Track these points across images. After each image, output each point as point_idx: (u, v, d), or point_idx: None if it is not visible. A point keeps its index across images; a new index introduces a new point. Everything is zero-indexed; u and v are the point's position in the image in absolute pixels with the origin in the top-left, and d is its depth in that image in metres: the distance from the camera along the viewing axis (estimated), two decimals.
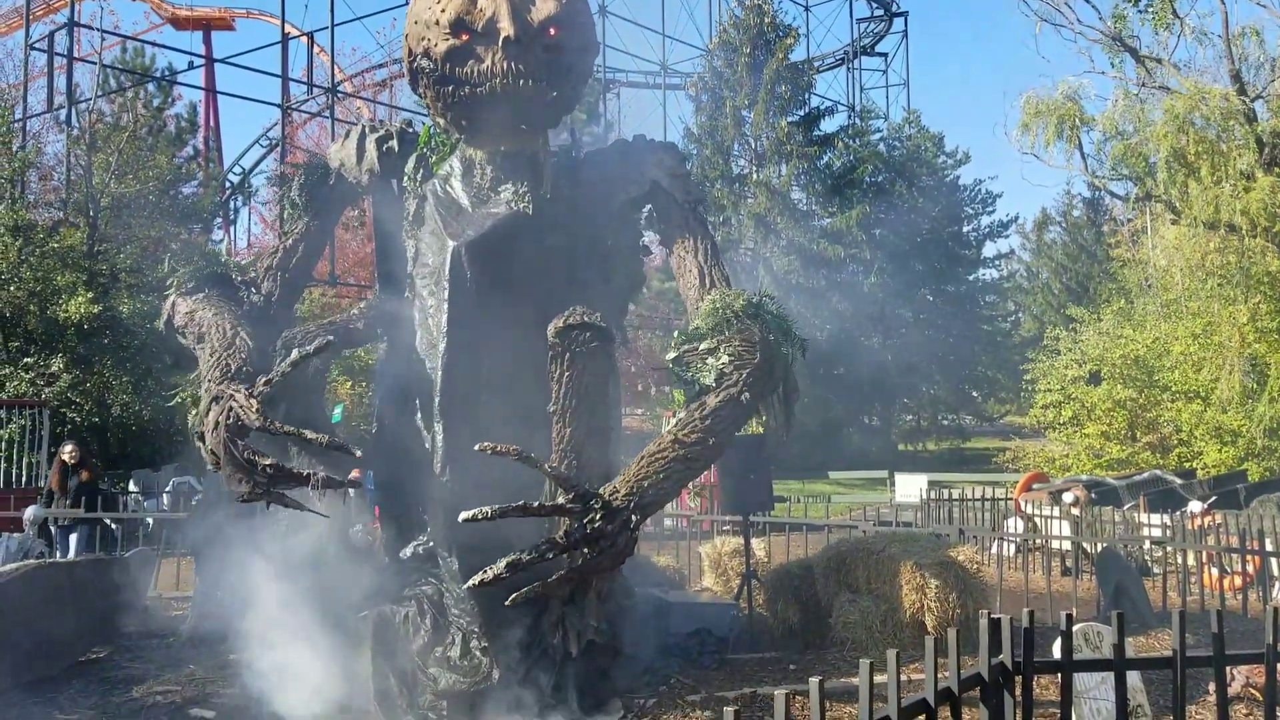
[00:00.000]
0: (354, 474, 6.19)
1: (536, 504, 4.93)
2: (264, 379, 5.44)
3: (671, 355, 6.10)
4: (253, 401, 5.35)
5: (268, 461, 5.27)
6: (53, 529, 11.85)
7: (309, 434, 5.16)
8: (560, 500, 5.04)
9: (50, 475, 13.14)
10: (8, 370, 20.30)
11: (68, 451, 12.38)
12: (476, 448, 4.92)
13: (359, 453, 5.45)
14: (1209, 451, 22.79)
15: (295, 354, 5.42)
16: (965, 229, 47.60)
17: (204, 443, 5.54)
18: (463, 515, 4.69)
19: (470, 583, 4.86)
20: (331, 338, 5.91)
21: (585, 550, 4.99)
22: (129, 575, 8.79)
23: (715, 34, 39.70)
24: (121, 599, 8.38)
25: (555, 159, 7.08)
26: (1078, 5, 21.93)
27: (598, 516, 5.02)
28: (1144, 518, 14.28)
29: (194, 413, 6.01)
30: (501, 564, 4.75)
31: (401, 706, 6.04)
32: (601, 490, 5.23)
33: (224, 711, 6.43)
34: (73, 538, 11.74)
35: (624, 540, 5.11)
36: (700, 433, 5.67)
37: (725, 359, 5.90)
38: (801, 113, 38.89)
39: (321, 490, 5.39)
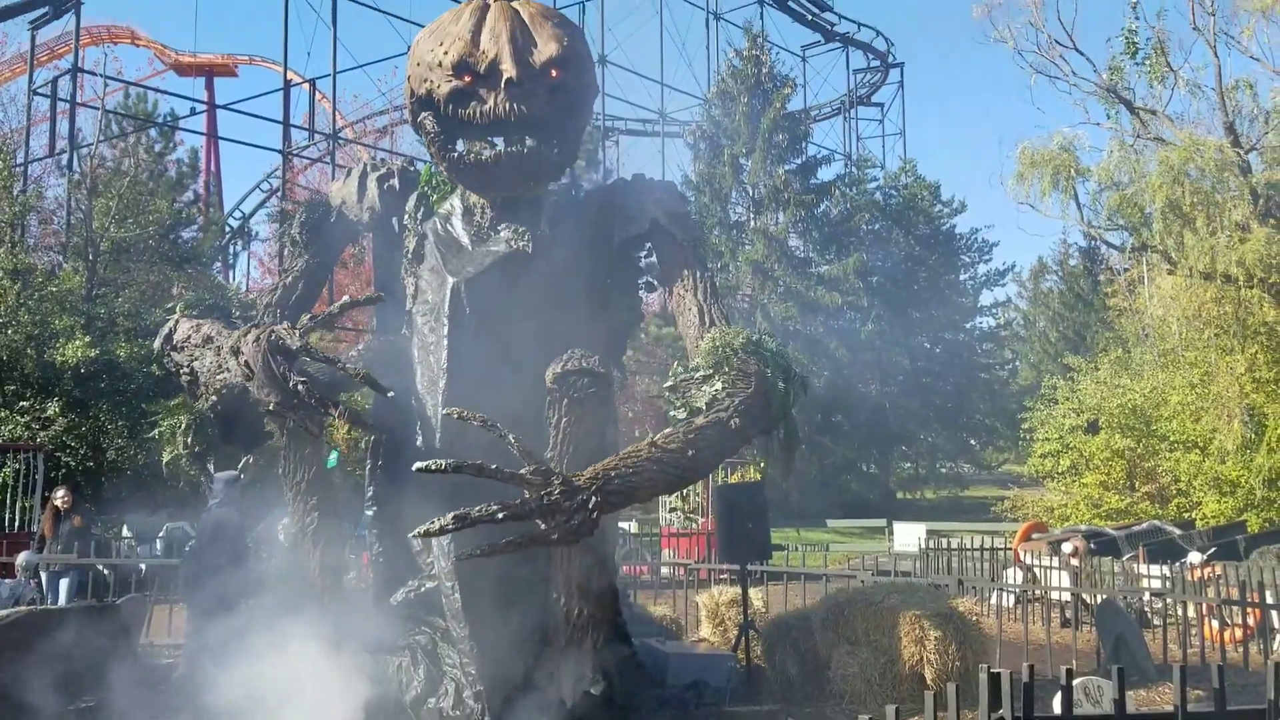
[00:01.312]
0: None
1: (495, 467, 4.91)
2: (308, 316, 5.81)
3: (669, 384, 6.10)
4: (294, 330, 5.71)
5: (301, 378, 5.56)
6: (44, 575, 11.74)
7: (348, 366, 5.67)
8: (523, 471, 5.01)
9: (42, 520, 13.05)
10: (3, 414, 20.22)
11: (60, 497, 12.29)
12: (444, 412, 5.26)
13: (391, 393, 5.79)
14: (1208, 502, 22.69)
15: (346, 299, 5.79)
16: (962, 277, 47.76)
17: (238, 357, 5.81)
18: (417, 465, 4.82)
19: (416, 531, 4.83)
20: (382, 295, 6.31)
21: (539, 521, 4.95)
22: (121, 622, 8.67)
23: (713, 83, 40.09)
24: (113, 646, 8.27)
25: (555, 198, 7.12)
26: (1072, 57, 22.16)
27: (556, 491, 4.98)
28: (1143, 569, 14.19)
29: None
30: (449, 516, 4.74)
31: None
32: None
33: None
34: (63, 583, 11.63)
35: (580, 520, 5.03)
36: (680, 443, 5.62)
37: (719, 386, 5.89)
38: (799, 161, 39.19)
39: (344, 420, 5.78)
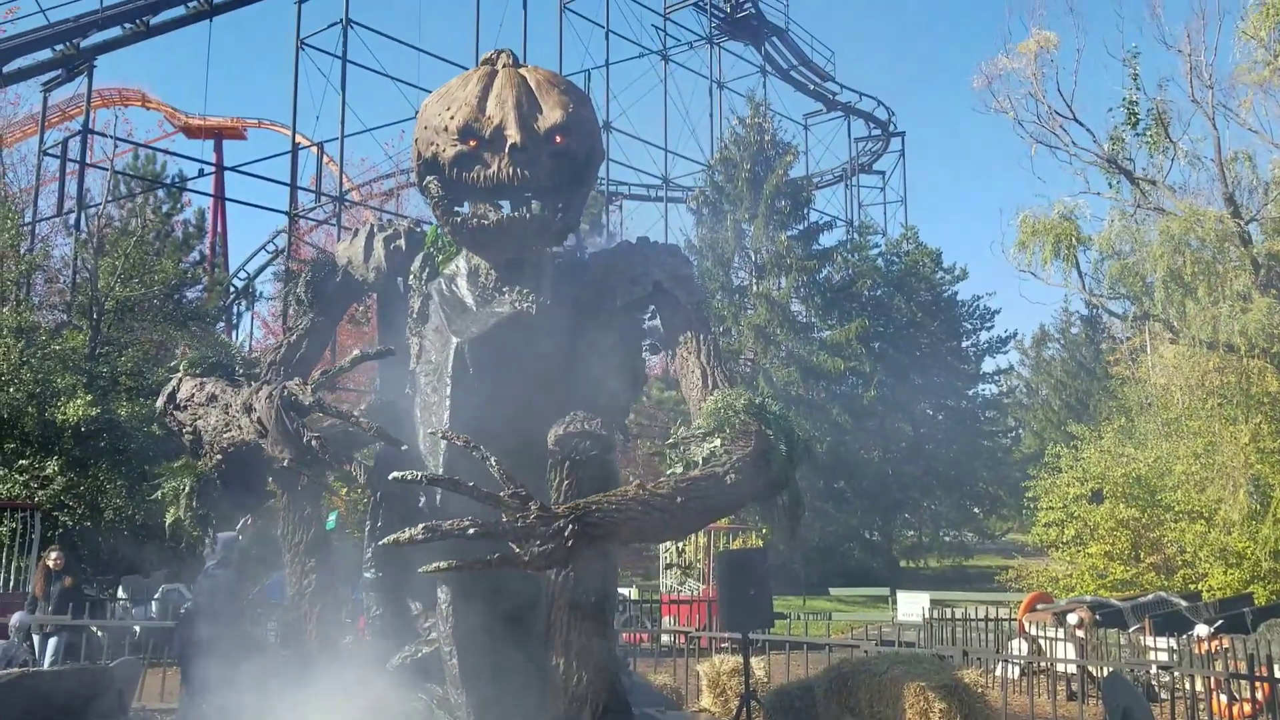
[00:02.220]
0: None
1: (471, 484, 4.87)
2: (319, 370, 5.74)
3: (669, 442, 6.08)
4: (306, 386, 5.69)
5: (315, 433, 5.56)
6: (35, 636, 11.62)
7: (361, 420, 5.59)
8: (502, 493, 4.96)
9: (35, 580, 12.94)
10: (1, 472, 20.16)
11: (52, 558, 12.21)
12: (429, 431, 5.45)
13: (405, 446, 5.74)
14: (1214, 573, 22.49)
15: (356, 352, 5.80)
16: (964, 344, 47.84)
17: (250, 414, 5.80)
18: (393, 475, 4.83)
19: (385, 540, 4.83)
20: (392, 349, 6.28)
21: (512, 545, 4.89)
22: (114, 685, 8.56)
23: (716, 150, 40.54)
24: (106, 710, 8.15)
25: (559, 259, 7.14)
26: (1072, 128, 22.42)
27: (532, 515, 4.92)
28: (1150, 641, 14.01)
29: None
30: (419, 527, 4.74)
31: None
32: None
33: None
34: (51, 643, 11.50)
35: (554, 547, 4.96)
36: (670, 489, 5.55)
37: (717, 443, 5.85)
38: (801, 227, 39.47)
39: (359, 473, 5.86)
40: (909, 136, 56.44)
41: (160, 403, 7.08)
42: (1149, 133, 21.30)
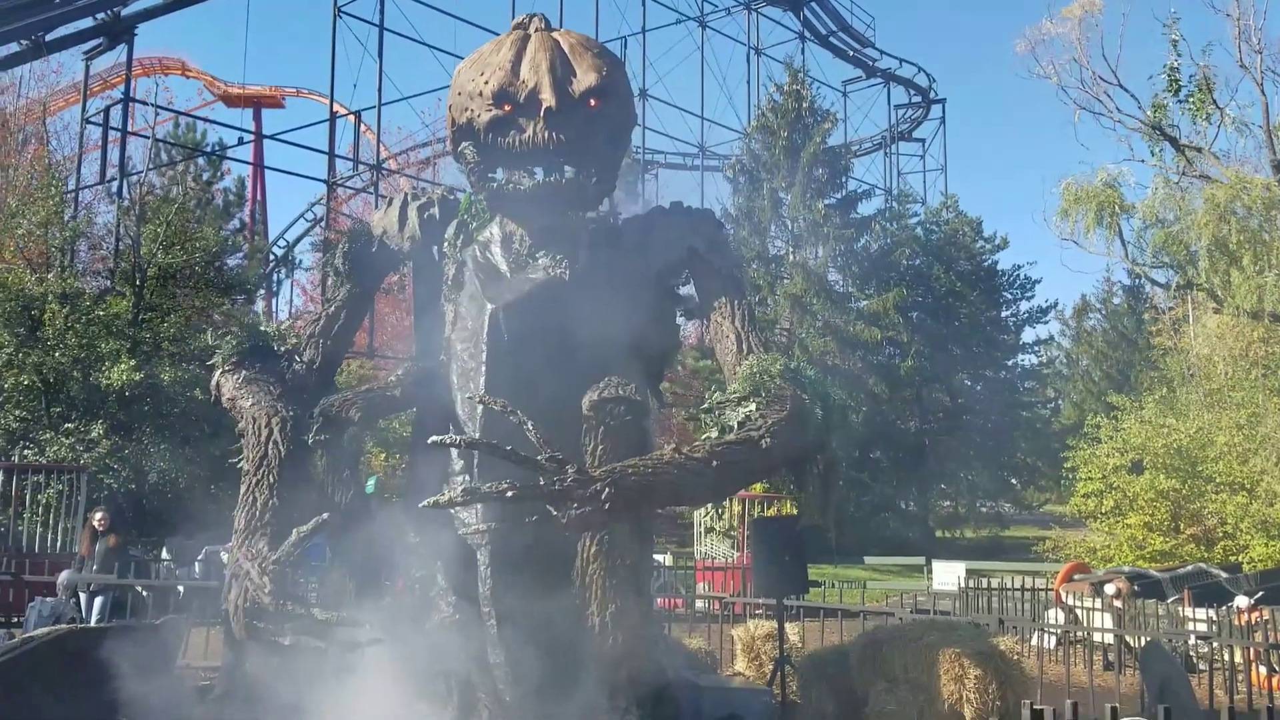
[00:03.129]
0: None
1: (509, 448, 4.90)
2: (274, 558, 5.66)
3: (704, 407, 6.09)
4: (265, 581, 5.60)
5: (287, 642, 5.52)
6: (82, 595, 11.86)
7: (318, 613, 5.50)
8: (539, 457, 4.99)
9: (81, 540, 13.20)
10: (48, 435, 20.54)
11: (98, 517, 12.45)
12: (466, 396, 5.55)
13: (368, 627, 5.62)
14: (1255, 545, 22.23)
15: (295, 535, 5.65)
16: (1004, 314, 47.31)
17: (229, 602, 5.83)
18: (431, 439, 4.89)
19: (425, 502, 4.87)
20: (325, 515, 5.93)
21: (550, 508, 4.93)
22: (159, 642, 8.72)
23: (753, 117, 40.22)
24: (150, 666, 8.31)
25: (593, 226, 7.14)
26: (1116, 94, 22.05)
27: (569, 479, 4.96)
28: (1188, 612, 13.91)
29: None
30: (458, 490, 4.84)
31: None
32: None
33: None
34: (97, 601, 11.75)
35: (591, 511, 5.00)
36: (705, 453, 5.56)
37: (753, 407, 5.85)
38: (839, 195, 39.13)
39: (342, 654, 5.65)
40: (950, 103, 55.81)
41: (214, 398, 7.22)
42: (1192, 99, 20.90)
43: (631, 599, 6.08)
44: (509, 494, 4.83)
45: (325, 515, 5.86)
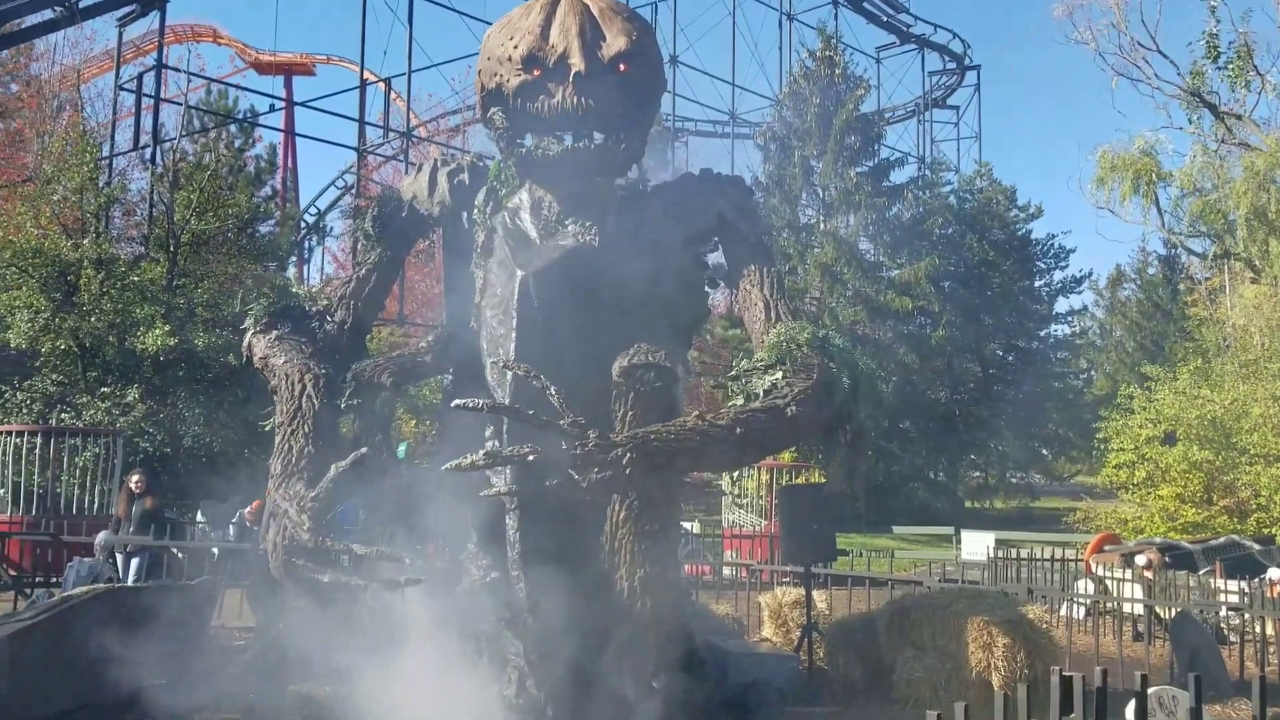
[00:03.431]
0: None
1: (531, 412, 4.93)
2: (311, 495, 5.59)
3: (731, 374, 6.09)
4: (304, 518, 5.55)
5: (326, 579, 5.46)
6: (118, 556, 12.06)
7: (358, 549, 5.42)
8: (562, 421, 5.01)
9: (118, 502, 13.40)
10: (85, 399, 20.81)
11: (134, 480, 12.63)
12: (493, 361, 5.54)
13: (408, 562, 5.60)
14: None
15: (333, 470, 5.62)
16: (1037, 284, 46.91)
17: (267, 539, 5.80)
18: (455, 402, 4.97)
19: (448, 465, 4.94)
20: (365, 450, 5.95)
21: (571, 472, 4.96)
22: (194, 603, 8.87)
23: (785, 84, 39.86)
24: (185, 626, 8.46)
25: (622, 193, 7.12)
26: (1155, 60, 21.70)
27: (590, 443, 4.98)
28: (1220, 583, 13.81)
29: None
30: (480, 453, 4.88)
31: None
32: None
33: None
34: (133, 563, 11.94)
35: (612, 475, 5.03)
36: (729, 420, 5.56)
37: (779, 375, 5.84)
38: (871, 163, 38.80)
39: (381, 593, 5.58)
40: (985, 70, 54.99)
41: (245, 358, 7.27)
42: (1231, 65, 20.53)
43: (660, 564, 6.11)
44: (529, 457, 4.87)
45: (364, 450, 5.90)
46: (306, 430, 6.12)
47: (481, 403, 4.94)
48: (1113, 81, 22.96)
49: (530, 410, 5.12)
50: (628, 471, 5.06)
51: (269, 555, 5.70)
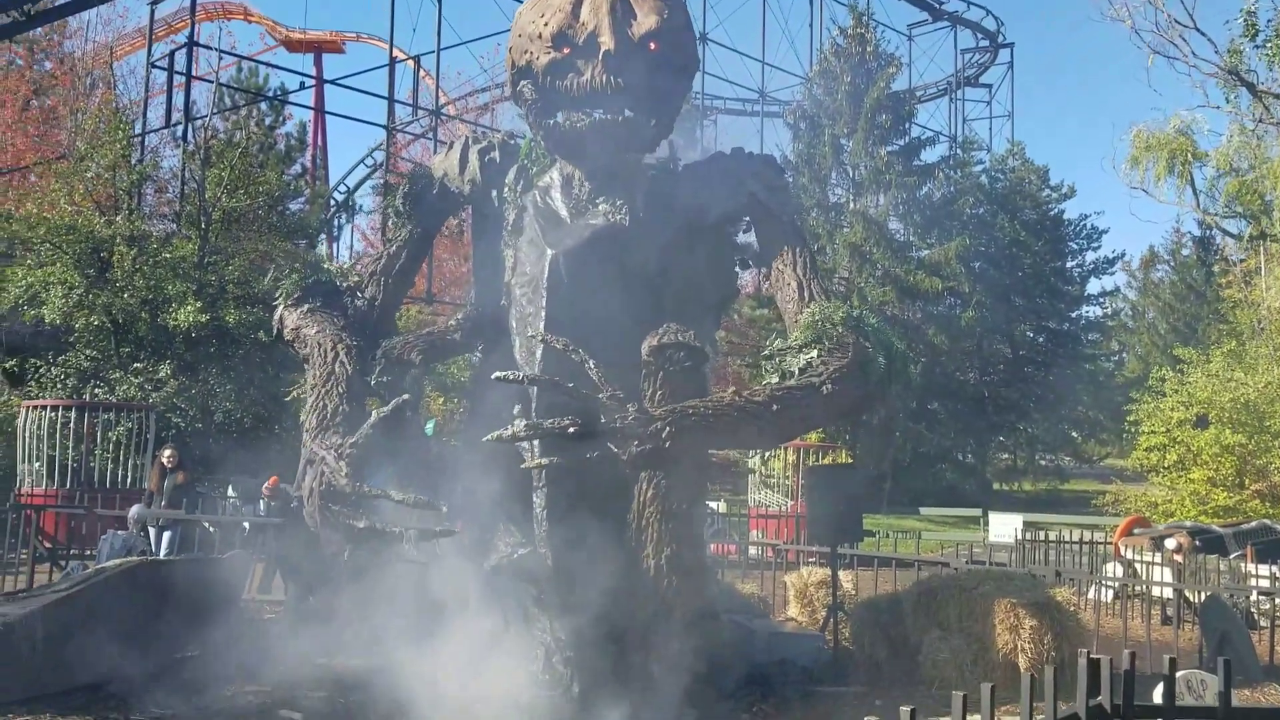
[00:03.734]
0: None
1: (571, 385, 4.97)
2: (350, 441, 5.62)
3: (765, 354, 6.10)
4: (342, 465, 5.59)
5: (362, 525, 5.48)
6: (150, 529, 12.21)
7: (395, 495, 5.43)
8: (601, 395, 5.03)
9: (150, 477, 13.55)
10: (118, 374, 21.04)
11: (166, 455, 12.78)
12: (530, 334, 5.68)
13: (444, 509, 5.66)
14: None
15: (375, 415, 5.69)
16: (1069, 265, 46.44)
17: (303, 486, 5.87)
18: (495, 375, 5.11)
19: (488, 436, 5.06)
20: (406, 396, 6.05)
21: (610, 445, 4.99)
22: (225, 576, 8.97)
23: (816, 62, 39.55)
24: (217, 599, 8.56)
25: (653, 172, 7.11)
26: (1192, 38, 21.33)
27: (630, 416, 5.00)
28: (1251, 568, 13.69)
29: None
30: (520, 423, 5.01)
31: None
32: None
33: (311, 714, 6.51)
34: (165, 536, 12.09)
35: (652, 449, 5.06)
36: (766, 397, 5.58)
37: (814, 354, 5.86)
38: (901, 142, 38.42)
39: (416, 542, 5.62)
40: (1018, 48, 54.44)
41: (272, 338, 7.34)
42: (1270, 43, 20.15)
43: (686, 543, 6.13)
44: (570, 429, 4.89)
45: (405, 396, 6.00)
46: (341, 391, 6.21)
47: (523, 375, 4.98)
48: (1148, 59, 22.59)
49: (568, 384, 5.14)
50: (667, 445, 5.08)
51: (305, 501, 5.75)
